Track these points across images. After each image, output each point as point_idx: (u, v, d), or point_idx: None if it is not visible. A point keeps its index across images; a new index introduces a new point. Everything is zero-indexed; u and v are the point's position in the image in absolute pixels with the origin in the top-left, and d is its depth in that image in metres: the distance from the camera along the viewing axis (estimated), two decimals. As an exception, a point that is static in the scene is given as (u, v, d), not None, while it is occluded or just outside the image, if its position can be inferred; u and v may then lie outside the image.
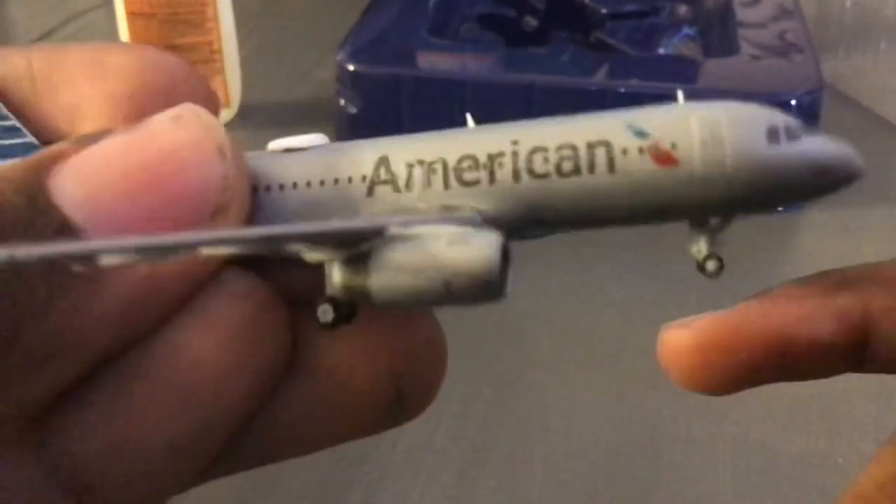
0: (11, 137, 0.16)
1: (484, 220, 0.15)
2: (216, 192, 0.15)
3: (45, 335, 0.13)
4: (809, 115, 0.50)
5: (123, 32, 0.57)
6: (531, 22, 0.65)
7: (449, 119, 0.58)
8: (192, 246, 0.14)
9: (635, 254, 0.49)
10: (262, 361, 0.15)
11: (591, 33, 0.62)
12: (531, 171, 0.15)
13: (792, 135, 0.14)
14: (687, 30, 0.62)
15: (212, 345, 0.15)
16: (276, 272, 0.16)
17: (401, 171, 0.15)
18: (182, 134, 0.15)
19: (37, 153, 0.14)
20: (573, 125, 0.15)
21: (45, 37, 0.73)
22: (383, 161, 0.15)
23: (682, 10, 0.64)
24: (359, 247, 0.14)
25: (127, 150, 0.14)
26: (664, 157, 0.14)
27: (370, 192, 0.15)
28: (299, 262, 0.15)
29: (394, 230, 0.14)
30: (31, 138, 0.17)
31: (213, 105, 0.18)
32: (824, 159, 0.14)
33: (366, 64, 0.54)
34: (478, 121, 0.17)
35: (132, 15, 0.56)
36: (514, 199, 0.15)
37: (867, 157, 0.56)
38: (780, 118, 0.14)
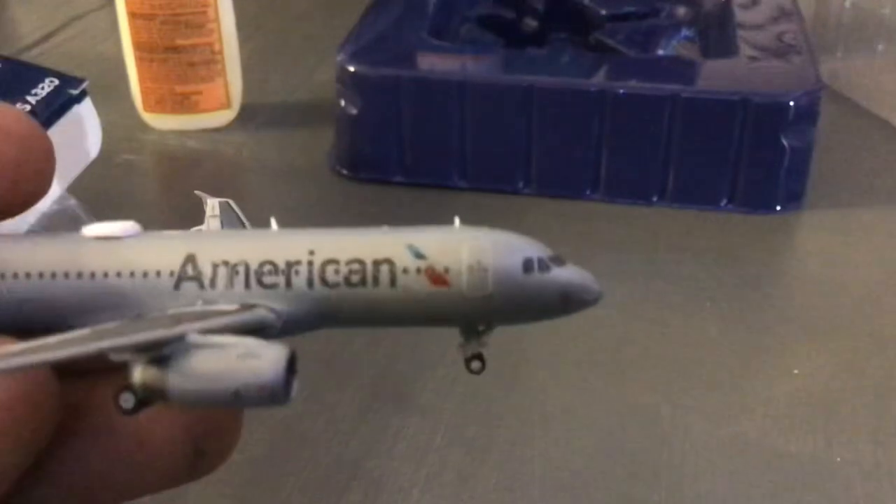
0: None
1: (278, 318, 0.17)
2: None
3: None
4: (808, 115, 0.50)
5: (124, 34, 0.57)
6: (530, 23, 0.66)
7: (449, 120, 0.58)
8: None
9: (635, 254, 0.49)
10: (29, 435, 0.16)
11: (591, 35, 0.62)
12: (323, 280, 0.17)
13: (543, 267, 0.17)
14: (686, 31, 0.62)
15: None
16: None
17: (206, 270, 0.17)
18: None
19: None
20: (363, 241, 0.17)
21: (46, 38, 0.73)
22: (191, 258, 0.17)
23: (682, 11, 0.65)
24: (160, 350, 0.16)
25: None
26: (437, 279, 0.17)
27: (177, 286, 0.17)
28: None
29: (192, 338, 0.16)
30: None
31: (48, 148, 0.18)
32: (567, 287, 0.17)
33: (366, 65, 0.54)
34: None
35: (133, 16, 0.56)
36: (307, 302, 0.17)
37: (866, 157, 0.56)
38: (535, 251, 0.17)
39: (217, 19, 0.57)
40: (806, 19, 0.61)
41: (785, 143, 0.50)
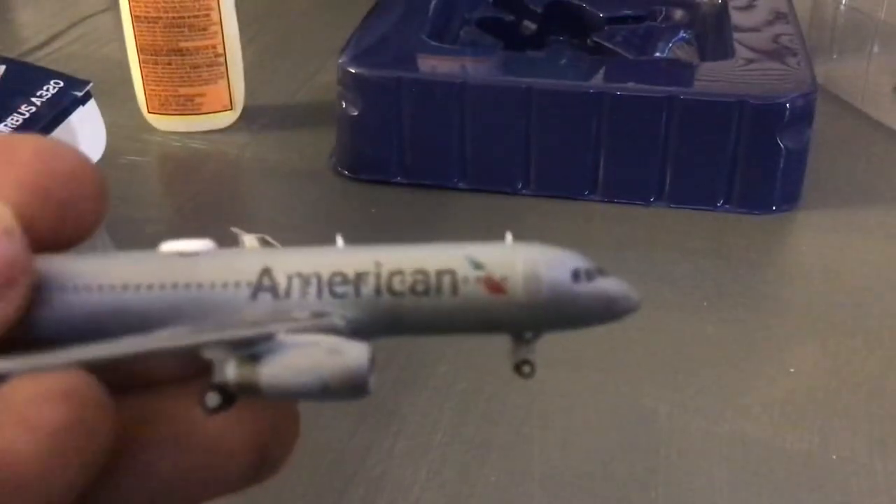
0: None
1: (348, 325, 0.18)
2: (7, 267, 0.17)
3: None
4: (803, 117, 0.51)
5: (129, 36, 0.58)
6: (530, 26, 0.66)
7: (449, 121, 0.58)
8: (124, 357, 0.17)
9: (633, 254, 0.50)
10: (87, 455, 0.17)
11: (589, 37, 0.62)
12: (390, 289, 0.18)
13: (590, 276, 0.18)
14: (683, 34, 0.62)
15: (38, 447, 0.16)
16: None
17: (281, 281, 0.18)
18: None
19: None
20: (425, 254, 0.18)
21: (51, 40, 0.73)
22: (266, 271, 0.18)
23: (679, 14, 0.65)
24: (251, 348, 0.17)
25: None
26: (495, 287, 0.18)
27: (254, 296, 0.18)
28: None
29: (281, 337, 0.17)
30: None
31: (100, 190, 0.19)
32: (611, 296, 0.19)
33: (367, 67, 0.54)
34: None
35: (137, 18, 0.56)
36: (374, 310, 0.18)
37: (860, 158, 0.57)
38: (582, 263, 0.18)
39: (220, 22, 0.57)
40: (801, 22, 0.61)
41: (781, 144, 0.51)
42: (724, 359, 0.42)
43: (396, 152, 0.54)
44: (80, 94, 0.49)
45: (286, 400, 0.18)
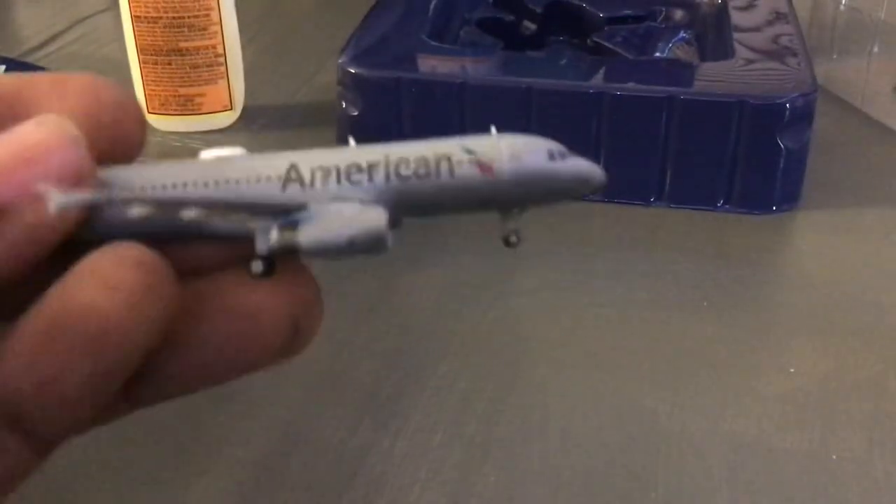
0: None
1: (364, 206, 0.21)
2: (75, 169, 0.19)
3: None
4: (803, 117, 0.51)
5: (129, 36, 0.58)
6: (529, 26, 0.66)
7: (449, 121, 0.58)
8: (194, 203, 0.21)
9: (633, 254, 0.50)
10: (158, 315, 0.19)
11: (589, 37, 0.62)
12: (398, 174, 0.21)
13: (563, 156, 0.22)
14: (683, 34, 0.62)
15: (117, 305, 0.19)
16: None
17: (306, 174, 0.21)
18: (45, 129, 0.20)
19: None
20: (424, 145, 0.21)
21: (51, 40, 0.73)
22: (293, 166, 0.21)
23: (678, 14, 0.65)
24: (288, 216, 0.21)
25: (4, 143, 0.19)
26: (485, 168, 0.21)
27: (284, 187, 0.21)
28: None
29: (313, 206, 0.21)
30: None
31: (141, 117, 0.22)
32: (583, 170, 0.22)
33: (367, 67, 0.54)
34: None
35: (137, 19, 0.57)
36: (385, 193, 0.21)
37: (861, 159, 0.56)
38: (555, 146, 0.22)
39: (220, 22, 0.57)
40: (801, 22, 0.61)
41: (781, 144, 0.51)
42: (724, 359, 0.42)
43: (396, 152, 0.54)
44: (79, 94, 0.49)
45: (321, 258, 0.21)
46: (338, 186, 0.21)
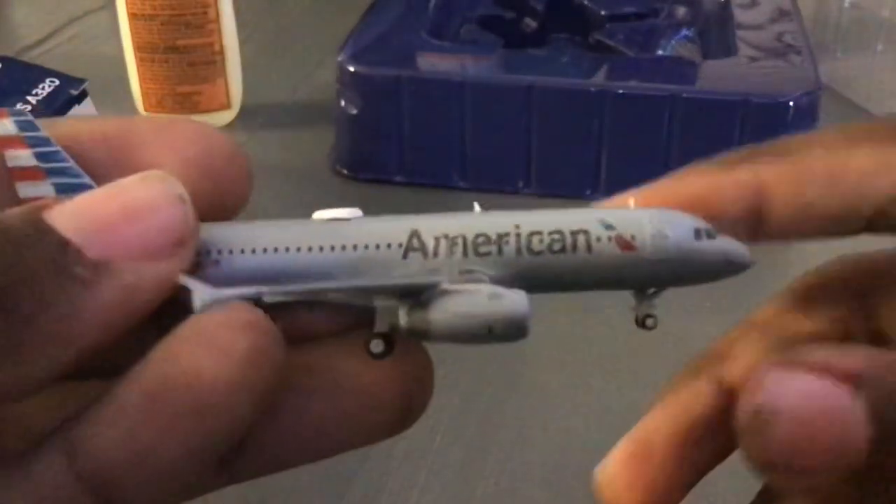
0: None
1: (492, 282, 0.19)
2: (179, 228, 0.18)
3: (51, 322, 0.17)
4: (807, 116, 0.51)
5: (125, 33, 0.57)
6: (530, 23, 0.66)
7: (449, 120, 0.58)
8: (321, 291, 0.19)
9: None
10: (266, 382, 0.18)
11: (591, 35, 0.62)
12: (530, 249, 0.19)
13: (710, 235, 0.20)
14: (685, 31, 0.62)
15: (225, 370, 0.17)
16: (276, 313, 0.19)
17: (429, 242, 0.20)
18: (150, 185, 0.18)
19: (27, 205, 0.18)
20: (559, 217, 0.20)
21: (47, 38, 0.73)
22: (415, 233, 0.20)
23: (681, 11, 0.65)
24: (418, 297, 0.19)
25: (107, 197, 0.18)
26: (626, 245, 0.20)
27: (405, 256, 0.20)
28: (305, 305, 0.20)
29: (445, 286, 0.19)
30: None
31: (248, 171, 0.21)
32: (730, 252, 0.20)
33: (366, 65, 0.54)
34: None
35: (134, 16, 0.56)
36: (515, 268, 0.19)
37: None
38: (702, 224, 0.20)
39: (217, 20, 0.57)
40: (805, 20, 0.61)
41: (784, 143, 0.50)
42: (727, 360, 0.42)
43: (396, 151, 0.54)
44: (76, 92, 0.49)
45: (452, 342, 0.19)
46: (464, 259, 0.19)
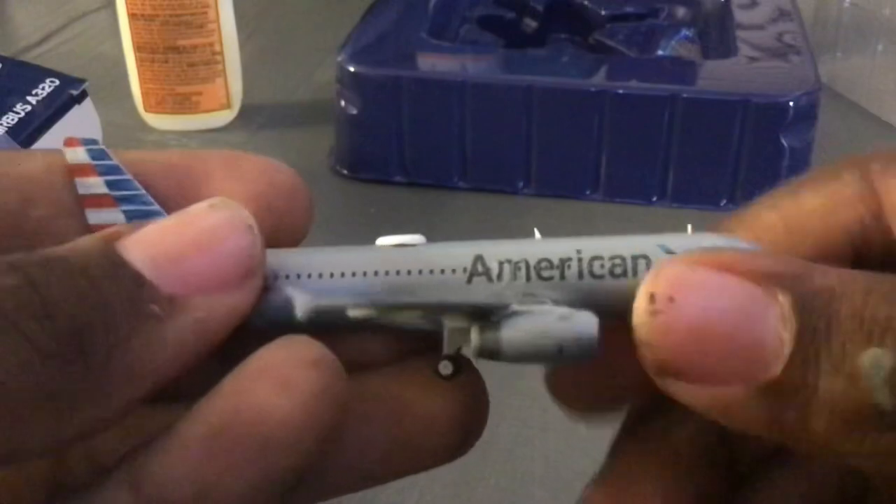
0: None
1: (554, 305, 0.20)
2: (248, 257, 0.19)
3: (126, 362, 0.17)
4: (807, 116, 0.51)
5: (125, 34, 0.57)
6: (530, 23, 0.66)
7: (449, 120, 0.58)
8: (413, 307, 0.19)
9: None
10: (331, 420, 0.18)
11: (591, 35, 0.62)
12: (591, 273, 0.20)
13: None
14: (685, 32, 0.62)
15: (292, 407, 0.17)
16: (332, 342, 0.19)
17: (493, 267, 0.20)
18: (218, 213, 0.19)
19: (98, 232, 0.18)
20: (619, 242, 0.20)
21: (47, 39, 0.73)
22: (479, 258, 0.20)
23: (681, 12, 0.65)
24: (489, 318, 0.19)
25: (177, 225, 0.18)
26: None
27: (469, 280, 0.20)
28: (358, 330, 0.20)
29: (515, 307, 0.19)
30: None
31: (310, 204, 0.21)
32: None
33: (366, 65, 0.54)
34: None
35: (134, 17, 0.56)
36: (577, 292, 0.20)
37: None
38: (758, 248, 0.20)
39: (217, 20, 0.57)
40: (805, 19, 0.61)
41: (784, 142, 0.50)
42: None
43: (396, 151, 0.54)
44: (75, 92, 0.49)
45: (523, 363, 0.19)
46: (527, 283, 0.20)
